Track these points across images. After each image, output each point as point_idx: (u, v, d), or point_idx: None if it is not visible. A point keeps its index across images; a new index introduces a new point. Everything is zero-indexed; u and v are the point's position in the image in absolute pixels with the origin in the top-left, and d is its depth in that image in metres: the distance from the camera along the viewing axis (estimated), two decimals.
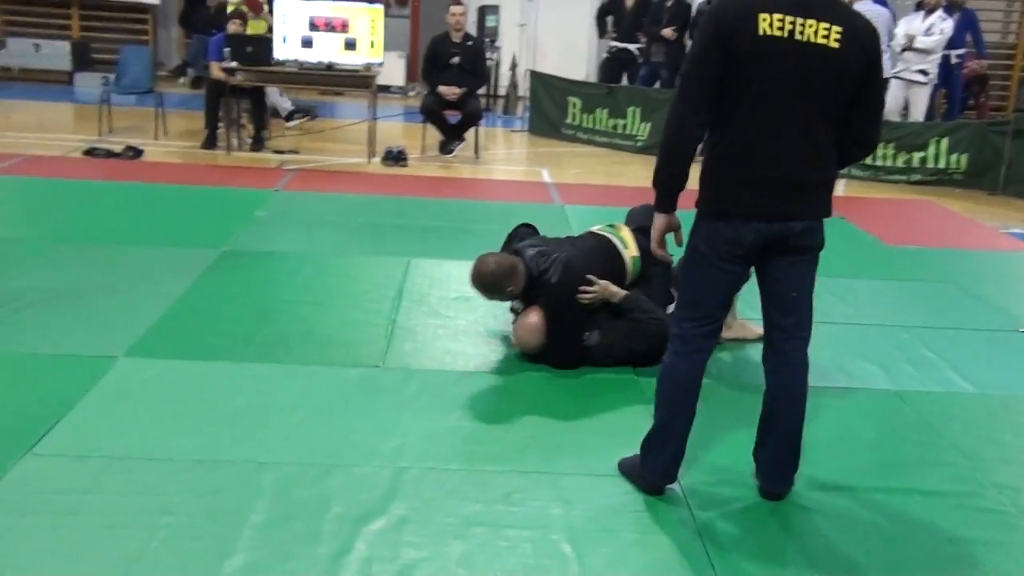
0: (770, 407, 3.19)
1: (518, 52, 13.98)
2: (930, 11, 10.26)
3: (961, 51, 11.33)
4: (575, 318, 4.22)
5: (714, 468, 3.37)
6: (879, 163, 9.07)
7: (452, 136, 9.55)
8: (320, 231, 6.32)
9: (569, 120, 10.99)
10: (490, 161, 9.64)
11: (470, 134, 9.59)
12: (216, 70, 9.08)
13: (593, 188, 8.37)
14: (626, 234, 4.53)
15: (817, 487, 3.30)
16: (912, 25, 10.14)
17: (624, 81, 11.45)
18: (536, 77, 11.50)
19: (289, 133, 10.03)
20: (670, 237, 3.11)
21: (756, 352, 4.09)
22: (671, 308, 4.37)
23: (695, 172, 2.97)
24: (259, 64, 8.89)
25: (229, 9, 10.27)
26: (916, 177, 9.10)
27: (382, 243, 6.10)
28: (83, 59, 13.60)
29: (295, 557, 2.74)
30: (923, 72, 10.20)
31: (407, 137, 10.12)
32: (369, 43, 9.03)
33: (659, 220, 3.07)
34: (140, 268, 5.24)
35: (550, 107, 11.23)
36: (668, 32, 10.39)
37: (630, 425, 3.72)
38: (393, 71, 13.73)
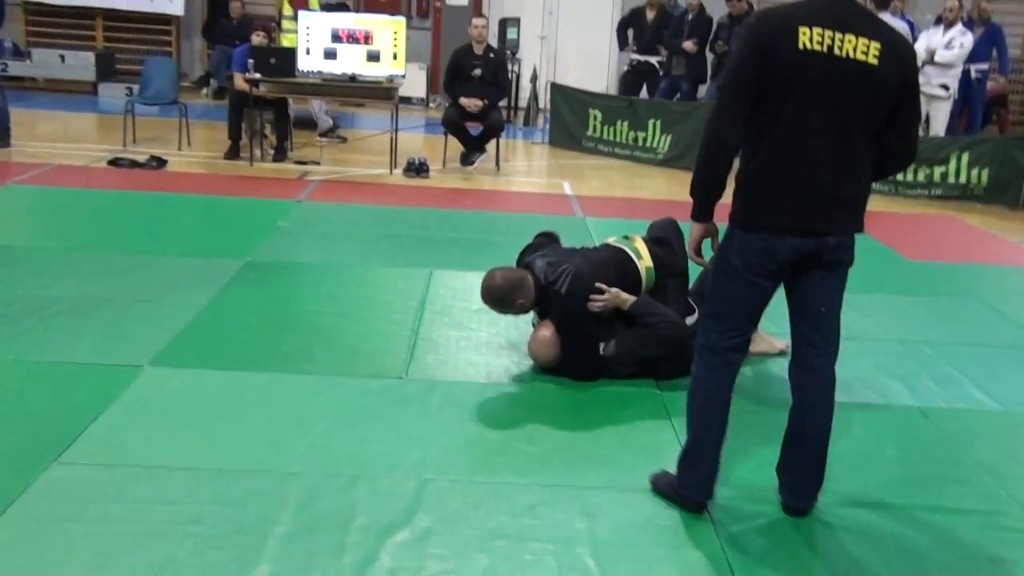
0: (797, 422, 3.18)
1: (539, 64, 14.03)
2: (950, 25, 10.25)
3: (983, 66, 11.30)
4: (587, 329, 4.23)
5: (738, 483, 3.37)
6: (900, 177, 9.04)
7: (473, 148, 9.58)
8: (342, 242, 6.36)
9: (590, 132, 11.01)
10: (511, 173, 9.67)
11: (491, 146, 9.63)
12: (240, 81, 9.17)
13: (615, 201, 8.38)
14: (640, 245, 4.54)
15: (841, 503, 3.29)
16: (932, 39, 10.12)
17: (644, 94, 11.48)
18: (557, 89, 11.54)
19: (311, 144, 10.08)
20: (707, 242, 3.13)
21: (778, 367, 4.12)
22: (690, 319, 4.38)
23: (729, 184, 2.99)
24: (283, 75, 8.96)
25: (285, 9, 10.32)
26: (937, 192, 9.07)
27: (404, 254, 6.13)
28: (107, 70, 13.74)
29: (320, 568, 2.76)
30: (944, 87, 10.18)
31: (428, 148, 10.16)
32: (392, 55, 9.08)
33: (696, 229, 3.10)
34: (165, 278, 5.29)
35: (571, 119, 11.25)
36: (689, 45, 10.42)
37: (653, 439, 3.74)
38: (414, 83, 13.80)
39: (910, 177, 9.09)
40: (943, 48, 10.03)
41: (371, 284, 5.50)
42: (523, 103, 13.59)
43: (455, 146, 9.61)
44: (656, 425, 3.88)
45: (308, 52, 9.05)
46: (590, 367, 4.23)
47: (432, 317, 4.94)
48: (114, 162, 8.54)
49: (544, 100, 13.31)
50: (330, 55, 9.06)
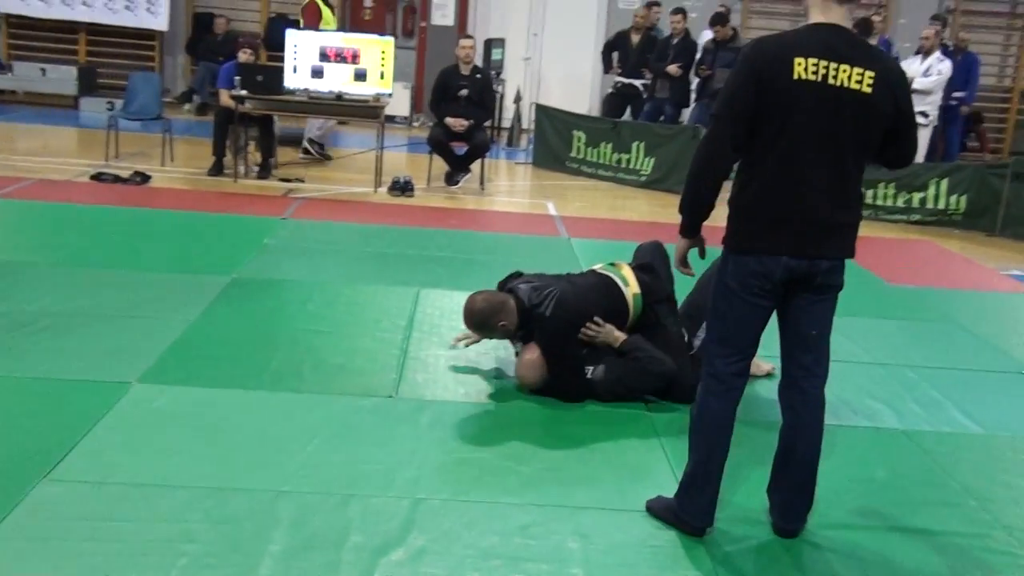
0: (787, 443, 3.22)
1: (522, 85, 14.11)
2: (927, 53, 10.42)
3: (960, 94, 11.49)
4: (572, 351, 4.26)
5: (729, 504, 3.38)
6: (879, 202, 9.16)
7: (458, 167, 9.62)
8: (329, 260, 6.36)
9: (574, 153, 11.08)
10: (495, 193, 9.71)
11: (476, 166, 9.67)
12: (225, 98, 9.16)
13: (599, 222, 8.43)
14: (627, 272, 4.57)
15: (831, 525, 3.32)
16: (911, 67, 10.27)
17: (627, 116, 11.57)
18: (541, 110, 11.60)
19: (296, 162, 10.06)
20: (693, 252, 3.21)
21: (768, 389, 4.15)
22: (696, 340, 4.40)
23: (721, 205, 3.04)
24: (269, 93, 8.97)
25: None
26: (916, 217, 9.19)
27: (391, 273, 6.14)
28: (89, 84, 13.69)
29: None
30: (923, 114, 10.31)
31: (411, 167, 10.18)
32: (379, 74, 9.12)
33: (682, 243, 3.18)
34: (151, 294, 5.27)
35: (555, 140, 11.31)
36: (673, 69, 10.52)
37: (643, 459, 3.77)
38: (398, 101, 13.83)
39: (889, 202, 9.21)
40: (921, 76, 10.19)
41: (358, 302, 5.50)
42: (507, 123, 13.66)
43: (440, 165, 9.65)
44: (645, 445, 3.90)
45: (295, 70, 9.07)
46: (577, 389, 4.25)
47: (420, 336, 4.95)
48: (97, 177, 8.51)
49: (528, 121, 13.39)
50: (317, 73, 9.09)
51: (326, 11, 10.31)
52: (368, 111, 9.43)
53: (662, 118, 10.88)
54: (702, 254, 3.22)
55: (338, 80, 9.15)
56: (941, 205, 9.10)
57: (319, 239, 6.91)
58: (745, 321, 3.09)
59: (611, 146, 10.75)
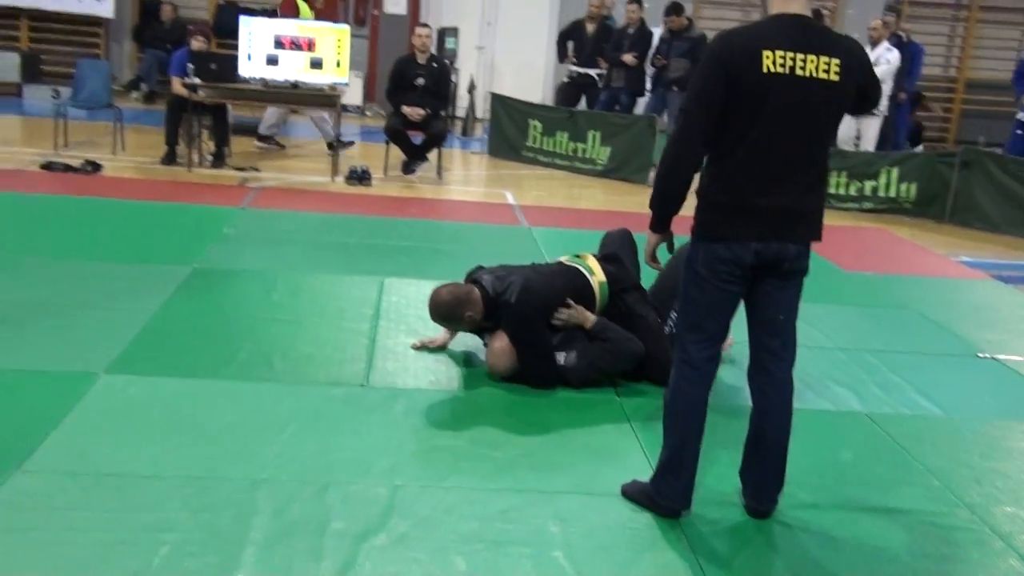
0: (757, 426, 3.28)
1: (475, 74, 14.10)
2: (875, 43, 10.61)
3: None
4: (540, 337, 4.29)
5: (700, 487, 3.40)
6: (832, 191, 9.31)
7: (416, 156, 9.60)
8: (290, 249, 6.32)
9: (529, 143, 11.10)
10: (452, 182, 9.71)
11: (433, 155, 9.65)
12: (178, 86, 9.03)
13: (559, 211, 8.47)
14: (592, 262, 4.62)
15: (800, 506, 3.39)
16: None
17: (583, 105, 11.62)
18: (497, 100, 11.61)
19: (250, 151, 9.94)
20: (661, 247, 3.25)
21: (733, 374, 4.21)
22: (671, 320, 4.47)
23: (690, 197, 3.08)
24: (223, 81, 8.86)
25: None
26: (868, 205, 9.36)
27: (354, 262, 6.12)
28: (32, 71, 13.39)
29: (300, 572, 2.75)
30: None
31: (366, 156, 10.13)
32: (335, 63, 9.06)
33: (652, 237, 3.21)
34: (112, 284, 5.20)
35: (511, 129, 11.33)
36: (629, 58, 10.58)
37: (615, 445, 3.82)
38: (351, 90, 13.73)
39: (842, 191, 9.37)
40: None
41: (323, 292, 5.47)
42: (461, 113, 13.64)
43: (396, 154, 9.61)
44: (616, 430, 3.95)
45: (250, 58, 8.97)
46: (546, 374, 4.28)
47: (388, 325, 4.94)
48: (47, 166, 8.34)
49: (482, 110, 13.39)
50: (272, 61, 9.00)
51: (303, 6, 10.20)
52: (324, 100, 9.36)
53: (617, 107, 10.94)
54: (671, 248, 3.26)
55: (293, 68, 9.07)
56: (892, 193, 9.29)
57: (279, 228, 6.86)
58: (715, 307, 3.13)
59: (567, 135, 10.79)
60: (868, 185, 9.36)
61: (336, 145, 9.52)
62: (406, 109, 9.32)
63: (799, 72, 2.90)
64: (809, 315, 5.49)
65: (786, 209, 3.01)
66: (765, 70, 2.87)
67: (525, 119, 11.22)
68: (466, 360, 4.57)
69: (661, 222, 3.15)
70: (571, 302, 4.36)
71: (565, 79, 12.06)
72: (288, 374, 4.22)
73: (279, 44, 9.00)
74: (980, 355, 5.17)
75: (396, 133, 9.44)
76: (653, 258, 3.27)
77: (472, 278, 4.52)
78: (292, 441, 3.56)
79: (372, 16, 14.74)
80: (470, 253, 6.33)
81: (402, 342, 4.71)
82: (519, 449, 3.69)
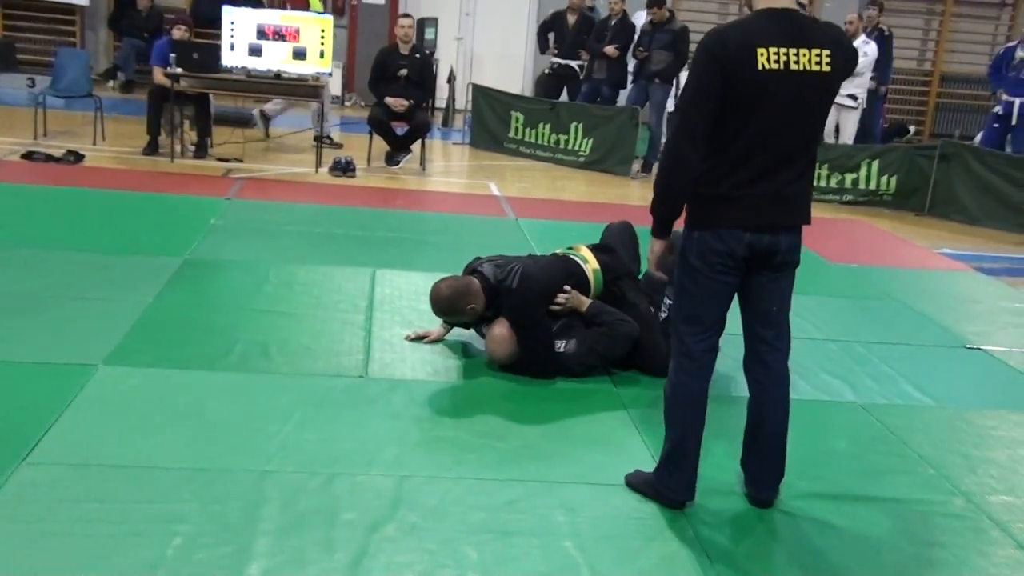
0: (755, 416, 3.32)
1: (455, 65, 14.06)
2: (852, 36, 10.68)
3: (873, 74, 11.74)
4: (540, 322, 4.33)
5: (702, 476, 3.46)
6: (813, 183, 9.39)
7: (399, 148, 9.58)
8: (279, 241, 6.29)
9: (512, 134, 11.11)
10: (435, 173, 9.69)
11: (416, 146, 9.64)
12: (159, 75, 8.96)
13: (545, 202, 8.49)
14: (586, 252, 4.67)
15: (800, 495, 3.44)
16: None
17: (564, 97, 11.62)
18: (478, 91, 11.59)
19: (231, 141, 9.86)
20: None
21: (729, 365, 4.25)
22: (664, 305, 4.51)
23: None
24: (205, 71, 8.79)
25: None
26: (848, 197, 9.46)
27: (344, 253, 6.11)
28: (7, 59, 13.16)
29: (314, 563, 2.76)
30: (852, 96, 10.60)
31: (349, 147, 10.09)
32: (319, 53, 9.01)
33: (658, 245, 3.21)
34: (103, 275, 5.17)
35: (492, 121, 11.33)
36: (610, 50, 10.60)
37: (615, 435, 3.86)
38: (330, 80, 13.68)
39: (823, 183, 9.46)
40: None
41: (315, 283, 5.46)
42: (440, 104, 13.60)
43: (379, 146, 9.58)
44: (615, 419, 3.98)
45: (232, 48, 8.90)
46: (546, 361, 4.31)
47: (383, 316, 4.95)
48: (28, 156, 8.25)
49: (461, 101, 13.37)
50: (255, 51, 8.93)
51: None
52: (307, 90, 9.31)
53: (599, 99, 10.96)
54: (672, 252, 3.25)
55: (276, 58, 9.00)
56: (872, 186, 9.39)
57: (266, 220, 6.83)
58: (711, 298, 3.15)
59: (549, 127, 10.81)
60: (848, 177, 9.46)
61: (325, 140, 9.46)
62: (390, 100, 9.30)
63: (793, 67, 2.93)
64: (798, 306, 5.50)
65: (775, 194, 3.04)
66: (760, 67, 2.90)
67: (507, 110, 11.22)
68: (463, 350, 4.59)
69: (665, 226, 3.16)
70: (567, 287, 4.40)
71: (546, 70, 12.05)
72: (286, 365, 4.21)
73: (262, 34, 8.93)
74: (968, 346, 5.25)
75: (379, 124, 9.41)
76: (660, 266, 3.27)
77: (472, 268, 4.54)
78: (295, 432, 3.56)
79: (351, 6, 14.65)
80: (459, 245, 6.35)
81: (398, 333, 4.71)
82: (521, 439, 3.71)
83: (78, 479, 3.09)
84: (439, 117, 13.48)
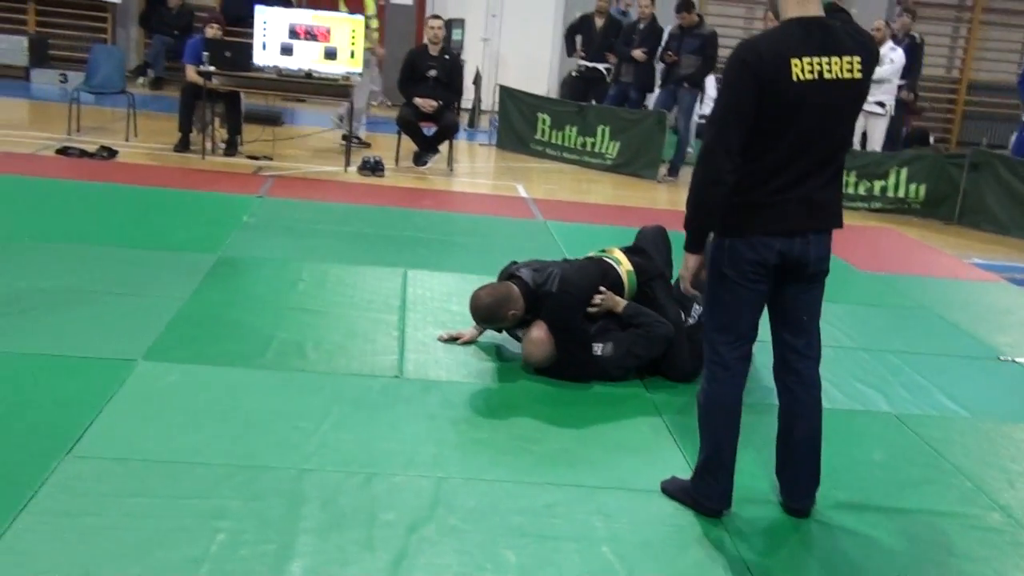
0: (786, 424, 3.31)
1: (481, 66, 14.09)
2: (879, 43, 10.62)
3: (902, 82, 11.67)
4: (579, 325, 4.34)
5: (739, 485, 3.46)
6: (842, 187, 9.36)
7: (427, 148, 9.61)
8: (311, 239, 6.33)
9: (538, 136, 11.13)
10: (463, 174, 9.72)
11: (443, 146, 9.67)
12: (192, 73, 9.02)
13: (573, 205, 8.49)
14: (619, 254, 4.69)
15: (836, 506, 3.43)
16: None
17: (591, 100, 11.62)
18: (506, 92, 11.62)
19: (260, 139, 9.92)
20: None
21: (763, 371, 4.25)
22: (694, 310, 4.52)
23: None
24: (237, 69, 8.85)
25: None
26: (876, 205, 9.43)
27: (375, 253, 6.14)
28: (40, 55, 13.34)
29: (355, 563, 2.79)
30: (880, 104, 10.56)
31: (376, 147, 10.14)
32: (349, 53, 9.06)
33: (693, 260, 3.19)
34: (140, 271, 5.22)
35: (519, 122, 11.35)
36: (638, 54, 10.59)
37: (650, 440, 3.87)
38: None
39: (850, 190, 9.42)
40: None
41: (348, 282, 5.49)
42: (466, 104, 13.62)
43: (407, 145, 9.61)
44: (649, 425, 3.99)
45: (264, 47, 8.96)
46: (584, 365, 4.32)
47: (416, 317, 4.97)
48: (63, 151, 8.33)
49: (487, 102, 13.39)
50: (287, 51, 8.99)
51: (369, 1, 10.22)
52: (337, 90, 9.36)
53: (626, 103, 10.96)
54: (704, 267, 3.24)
55: (308, 58, 9.06)
56: (901, 194, 9.36)
57: (298, 218, 6.87)
58: (743, 306, 3.15)
59: (576, 129, 10.82)
60: (877, 185, 9.42)
61: (354, 140, 9.49)
62: (418, 101, 9.33)
63: (827, 75, 2.93)
64: (828, 314, 5.52)
65: (807, 200, 3.03)
66: (795, 78, 2.90)
67: (534, 112, 11.24)
68: (497, 352, 4.61)
69: (699, 241, 3.15)
70: (603, 288, 4.42)
71: (573, 73, 12.06)
72: (322, 364, 4.24)
73: (294, 34, 8.99)
74: (1001, 358, 5.22)
75: (408, 124, 9.45)
76: (693, 283, 3.24)
77: (509, 273, 4.56)
78: (333, 431, 3.59)
79: (379, 6, 14.67)
80: (489, 246, 6.39)
81: (431, 334, 4.73)
82: (557, 444, 3.72)
83: (122, 473, 3.12)
84: (465, 118, 13.50)
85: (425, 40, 9.78)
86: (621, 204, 8.81)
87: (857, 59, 2.96)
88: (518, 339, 4.51)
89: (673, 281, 4.76)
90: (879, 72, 10.44)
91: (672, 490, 3.38)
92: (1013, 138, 11.07)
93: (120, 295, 4.81)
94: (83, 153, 8.28)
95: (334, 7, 12.31)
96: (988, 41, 15.11)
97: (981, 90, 15.07)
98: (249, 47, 8.99)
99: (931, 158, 9.62)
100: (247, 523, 2.92)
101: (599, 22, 11.54)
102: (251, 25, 9.25)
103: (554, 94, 13.53)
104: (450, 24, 13.20)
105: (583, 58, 11.68)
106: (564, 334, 4.27)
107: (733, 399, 3.21)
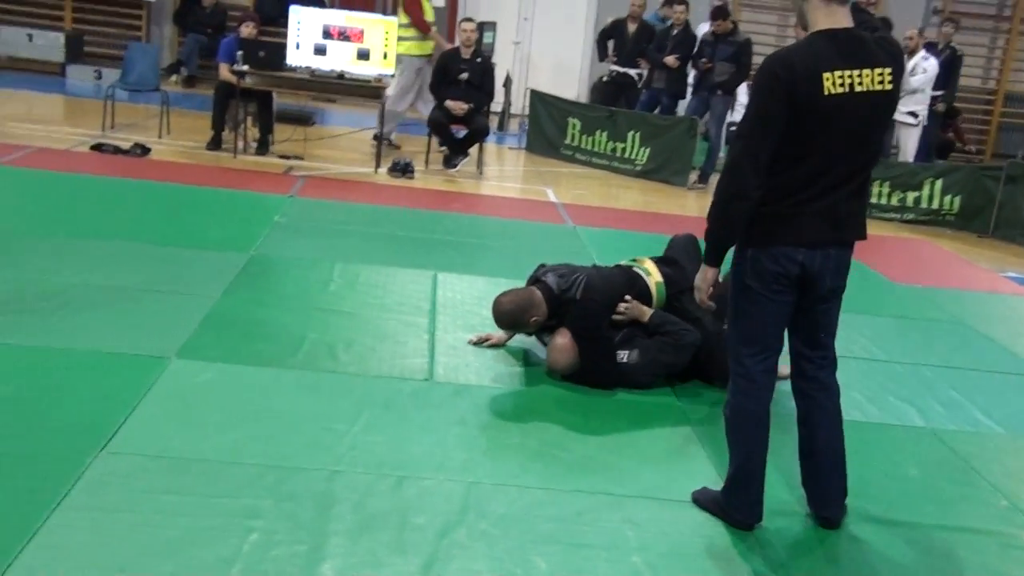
0: (808, 433, 3.28)
1: (512, 70, 14.09)
2: (911, 53, 10.52)
3: (939, 93, 11.56)
4: (603, 332, 4.32)
5: (769, 496, 3.41)
6: (874, 200, 9.29)
7: (457, 151, 9.62)
8: (342, 240, 6.34)
9: (568, 140, 11.11)
10: (492, 177, 9.71)
11: (473, 150, 9.67)
12: (225, 72, 9.07)
13: (602, 210, 8.46)
14: (649, 265, 4.67)
15: (871, 520, 3.39)
16: None
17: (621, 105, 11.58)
18: (536, 96, 11.61)
19: (292, 139, 9.96)
20: None
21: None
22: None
23: None
24: (271, 69, 8.90)
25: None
26: (910, 216, 9.33)
27: (405, 255, 6.14)
28: (76, 52, 13.46)
29: (386, 565, 2.79)
30: (912, 114, 10.47)
31: (405, 149, 10.16)
32: (382, 54, 9.08)
33: (711, 273, 3.16)
34: (172, 269, 5.24)
35: (549, 127, 11.33)
36: (671, 60, 10.54)
37: (679, 450, 3.85)
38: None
39: (883, 200, 9.35)
40: (907, 74, 10.30)
41: (378, 284, 5.49)
42: (496, 107, 13.62)
43: (437, 148, 9.63)
44: (678, 434, 3.97)
45: (298, 47, 9.00)
46: (608, 373, 4.31)
47: (445, 320, 4.97)
48: (97, 147, 8.39)
49: (517, 106, 13.39)
50: (320, 51, 9.03)
51: (427, 3, 10.25)
52: (370, 91, 9.38)
53: (658, 108, 10.92)
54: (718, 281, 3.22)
55: (341, 59, 9.09)
56: (935, 205, 9.26)
57: (329, 219, 6.89)
58: (768, 318, 3.12)
59: (606, 135, 10.79)
60: (911, 196, 9.33)
61: (387, 142, 9.52)
62: (449, 103, 9.34)
63: (858, 88, 2.90)
64: (862, 326, 5.56)
65: (831, 211, 3.00)
66: (826, 92, 2.87)
67: (564, 117, 11.23)
68: (525, 358, 4.60)
69: (719, 254, 3.12)
70: (629, 298, 4.39)
71: (604, 78, 12.02)
72: (352, 366, 4.25)
73: (327, 34, 9.03)
74: None
75: (439, 127, 9.46)
76: (708, 295, 3.20)
77: (535, 277, 4.56)
78: (364, 433, 3.59)
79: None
80: (519, 250, 6.38)
81: (461, 338, 4.73)
82: (586, 451, 3.71)
83: (156, 470, 3.14)
84: (494, 121, 13.50)
85: (457, 43, 9.79)
86: (651, 210, 8.78)
87: (888, 71, 2.94)
88: (545, 344, 4.50)
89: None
90: (912, 82, 10.41)
91: (703, 501, 3.36)
92: None
93: (154, 292, 4.84)
94: (117, 150, 8.35)
95: (368, 8, 12.39)
96: None
97: (1018, 102, 14.89)
98: (283, 47, 9.03)
99: (967, 170, 9.51)
100: (279, 523, 2.92)
101: (632, 27, 11.49)
102: (284, 25, 9.31)
103: (584, 99, 13.50)
104: (482, 27, 13.25)
105: (614, 63, 11.64)
106: (588, 342, 4.26)
107: (760, 412, 3.18)
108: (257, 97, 9.21)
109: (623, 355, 4.32)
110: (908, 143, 10.65)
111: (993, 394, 4.76)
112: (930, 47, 11.51)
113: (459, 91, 9.41)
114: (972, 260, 8.07)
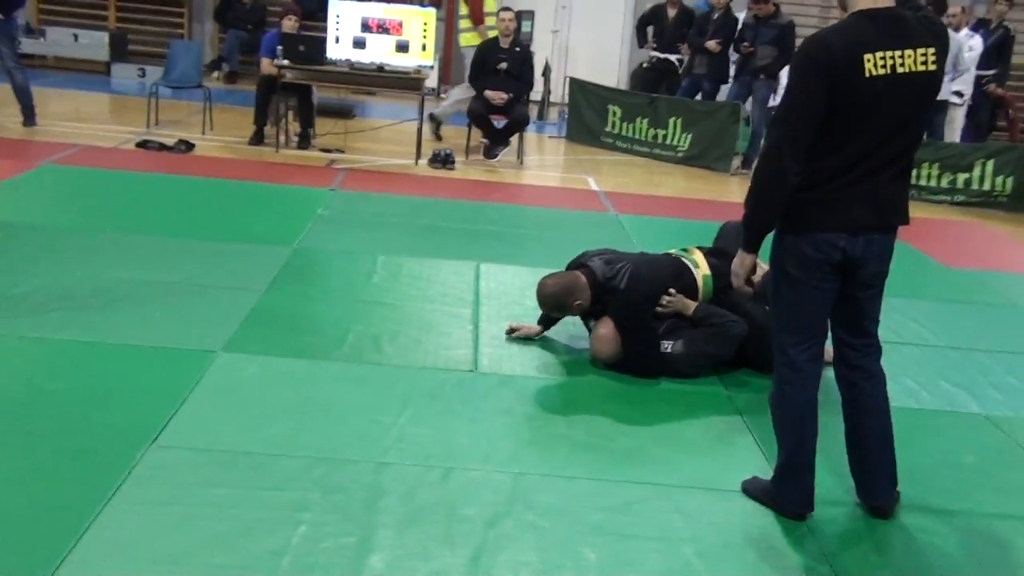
0: (855, 421, 3.22)
1: (550, 58, 14.02)
2: (956, 30, 10.29)
3: (990, 72, 11.29)
4: (646, 324, 4.28)
5: (820, 485, 3.35)
6: (923, 183, 9.11)
7: (497, 141, 9.60)
8: (384, 232, 6.35)
9: (609, 128, 11.04)
10: (533, 167, 9.68)
11: (514, 139, 9.64)
12: (267, 66, 9.12)
13: (644, 198, 8.39)
14: (698, 256, 4.61)
15: (927, 510, 3.32)
16: None
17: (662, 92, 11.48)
18: (576, 84, 11.55)
19: (333, 132, 10.01)
20: None
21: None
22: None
23: None
24: (311, 62, 8.93)
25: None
26: (960, 198, 9.14)
27: (447, 246, 6.14)
28: (120, 50, 13.63)
29: (435, 557, 2.78)
30: (958, 94, 10.26)
31: (445, 139, 10.16)
32: (420, 46, 9.08)
33: (748, 259, 3.10)
34: (217, 264, 5.28)
35: (589, 115, 11.27)
36: (712, 45, 10.42)
37: (729, 439, 3.81)
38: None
39: (933, 183, 9.17)
40: (952, 53, 10.09)
41: (422, 275, 5.49)
42: (536, 96, 13.57)
43: (477, 138, 9.61)
44: (728, 423, 3.92)
45: (337, 40, 9.03)
46: (651, 363, 4.27)
47: (489, 311, 4.96)
48: (142, 144, 8.49)
49: (556, 94, 13.33)
50: (359, 44, 9.05)
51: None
52: (409, 83, 9.38)
53: (700, 94, 10.81)
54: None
55: (380, 51, 9.11)
56: (987, 186, 9.04)
57: (371, 211, 6.90)
58: (811, 306, 3.05)
59: (647, 121, 10.71)
60: (961, 177, 9.14)
61: (436, 124, 9.77)
62: (489, 93, 9.32)
63: (900, 70, 2.82)
64: (914, 311, 5.46)
65: (873, 196, 2.93)
66: (868, 74, 2.79)
67: (604, 104, 11.16)
68: (567, 348, 4.57)
69: (757, 240, 3.06)
70: (673, 291, 4.34)
71: (644, 64, 11.93)
72: (398, 357, 4.25)
73: (366, 27, 9.05)
74: None
75: (479, 117, 9.44)
76: (746, 281, 3.15)
77: (579, 262, 4.52)
78: (410, 425, 3.59)
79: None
80: (562, 240, 6.33)
81: (504, 328, 4.71)
82: (633, 440, 3.68)
83: (205, 463, 3.16)
84: (534, 110, 13.45)
85: (496, 32, 9.76)
86: (694, 197, 8.69)
87: (931, 50, 2.85)
88: (590, 329, 4.46)
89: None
90: (960, 61, 10.19)
91: (753, 491, 3.31)
92: None
93: (200, 287, 4.87)
94: (162, 147, 8.44)
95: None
96: None
97: None
98: (322, 41, 9.07)
99: (1019, 149, 9.28)
100: (327, 516, 2.93)
101: (671, 12, 11.39)
102: (324, 19, 9.34)
103: (624, 86, 13.41)
104: (520, 16, 13.21)
105: (655, 49, 11.54)
106: (630, 332, 4.22)
107: (806, 401, 3.12)
108: (297, 91, 9.24)
109: (667, 345, 4.28)
110: (954, 123, 10.44)
111: None
112: (980, 24, 11.28)
113: (498, 81, 9.38)
114: None
